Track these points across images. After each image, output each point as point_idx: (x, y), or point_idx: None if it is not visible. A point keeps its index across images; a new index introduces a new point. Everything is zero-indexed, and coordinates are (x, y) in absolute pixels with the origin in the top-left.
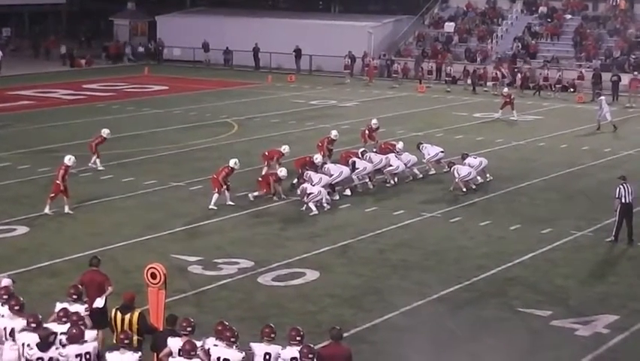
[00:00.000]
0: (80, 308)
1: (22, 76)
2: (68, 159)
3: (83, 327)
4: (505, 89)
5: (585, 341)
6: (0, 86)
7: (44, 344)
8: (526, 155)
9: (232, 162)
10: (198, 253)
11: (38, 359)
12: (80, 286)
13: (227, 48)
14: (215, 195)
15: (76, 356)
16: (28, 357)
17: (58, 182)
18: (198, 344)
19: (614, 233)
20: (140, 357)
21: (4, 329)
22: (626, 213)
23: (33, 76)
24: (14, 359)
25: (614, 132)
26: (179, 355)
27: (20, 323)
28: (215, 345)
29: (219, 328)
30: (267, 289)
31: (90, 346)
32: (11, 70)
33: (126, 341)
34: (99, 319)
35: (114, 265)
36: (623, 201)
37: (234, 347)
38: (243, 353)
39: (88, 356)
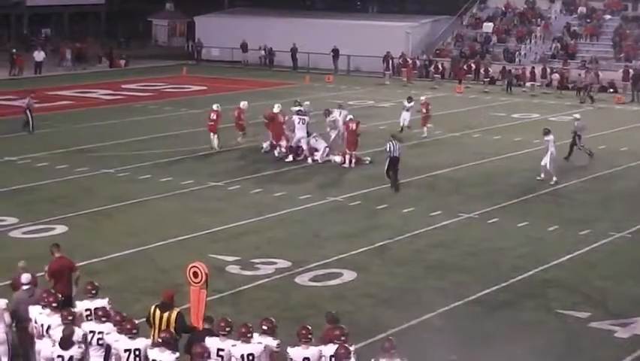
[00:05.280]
0: (102, 303)
1: (61, 76)
2: (243, 104)
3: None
4: (423, 98)
5: (624, 343)
6: (40, 86)
7: (67, 342)
8: (564, 156)
9: (215, 106)
10: (236, 252)
11: (59, 357)
12: (95, 283)
13: (271, 49)
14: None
15: (125, 351)
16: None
17: (241, 122)
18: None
19: (390, 184)
20: (177, 358)
21: (42, 325)
22: (393, 165)
23: (72, 76)
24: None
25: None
26: (217, 355)
27: (57, 320)
28: (234, 345)
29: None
30: (304, 289)
31: (142, 343)
32: (51, 70)
33: (170, 341)
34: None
35: (152, 265)
36: (391, 155)
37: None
38: (263, 344)
39: (137, 353)
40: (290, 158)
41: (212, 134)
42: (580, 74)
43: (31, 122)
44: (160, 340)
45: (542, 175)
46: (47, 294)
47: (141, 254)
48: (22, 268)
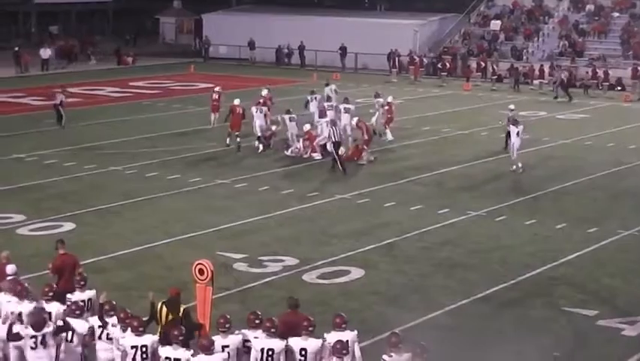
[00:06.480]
0: (90, 294)
1: (68, 74)
2: (237, 103)
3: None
4: (390, 99)
5: (631, 341)
6: (47, 84)
7: (39, 324)
8: (572, 153)
9: (217, 88)
10: (243, 250)
11: (32, 337)
12: (84, 274)
13: (279, 47)
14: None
15: (132, 347)
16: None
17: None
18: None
19: (332, 166)
20: (192, 354)
21: (12, 313)
22: (337, 149)
23: (80, 73)
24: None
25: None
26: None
27: (27, 307)
28: (256, 337)
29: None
30: (312, 286)
31: (148, 339)
32: (58, 67)
33: (180, 338)
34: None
35: (159, 262)
36: (333, 140)
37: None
38: (285, 341)
39: (144, 349)
40: (261, 148)
41: (213, 113)
42: (589, 72)
43: (58, 116)
44: (172, 338)
45: (514, 167)
46: (14, 282)
47: (149, 251)
48: (6, 257)
